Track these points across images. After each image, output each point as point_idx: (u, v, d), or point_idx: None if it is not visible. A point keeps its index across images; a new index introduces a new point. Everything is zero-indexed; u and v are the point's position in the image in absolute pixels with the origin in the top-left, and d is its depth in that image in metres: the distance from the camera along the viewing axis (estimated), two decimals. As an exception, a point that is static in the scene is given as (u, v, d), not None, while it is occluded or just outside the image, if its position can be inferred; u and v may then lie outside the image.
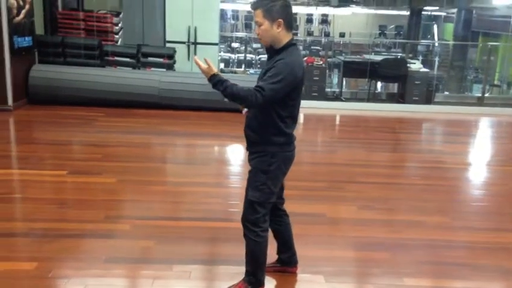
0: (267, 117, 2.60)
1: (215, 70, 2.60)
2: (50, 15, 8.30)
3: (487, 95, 10.19)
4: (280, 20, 2.55)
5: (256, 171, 2.69)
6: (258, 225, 2.71)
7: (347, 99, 9.65)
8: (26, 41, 7.43)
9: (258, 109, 2.61)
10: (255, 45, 12.32)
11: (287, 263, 3.08)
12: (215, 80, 2.57)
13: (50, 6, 8.28)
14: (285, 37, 2.60)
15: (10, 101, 7.11)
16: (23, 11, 7.28)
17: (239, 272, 2.88)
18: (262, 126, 2.63)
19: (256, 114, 2.65)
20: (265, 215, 2.73)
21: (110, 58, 8.18)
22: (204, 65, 2.59)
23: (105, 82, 7.61)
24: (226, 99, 2.59)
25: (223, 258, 3.28)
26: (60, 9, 8.58)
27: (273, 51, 2.63)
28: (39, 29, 8.05)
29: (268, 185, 2.67)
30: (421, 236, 3.75)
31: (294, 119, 2.69)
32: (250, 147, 2.74)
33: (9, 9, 6.90)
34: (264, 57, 11.01)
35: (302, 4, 12.82)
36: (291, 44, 2.63)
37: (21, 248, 3.36)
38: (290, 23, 2.63)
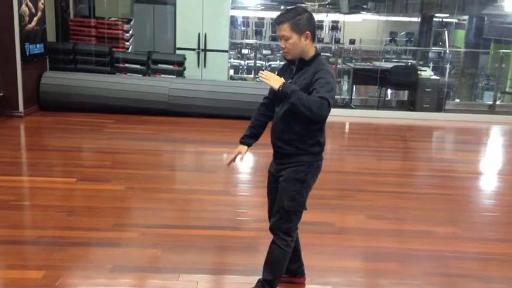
0: (308, 127, 2.61)
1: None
2: (62, 22, 8.38)
3: (498, 102, 10.10)
4: (307, 32, 2.57)
5: (291, 181, 2.68)
6: (290, 235, 2.73)
7: (357, 107, 9.62)
8: (37, 48, 7.50)
9: (294, 120, 2.59)
10: (265, 52, 12.33)
11: (295, 273, 3.06)
12: (292, 88, 2.49)
13: (62, 14, 8.36)
14: (311, 48, 2.63)
15: (21, 108, 7.17)
16: (35, 18, 7.36)
17: (246, 282, 2.87)
18: (301, 138, 2.64)
19: (291, 125, 2.62)
20: (297, 224, 2.76)
21: (121, 65, 8.24)
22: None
23: (115, 89, 7.65)
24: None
25: (231, 268, 3.26)
26: (71, 16, 8.67)
27: (302, 62, 2.64)
28: (51, 36, 8.13)
29: (302, 194, 2.71)
30: (430, 247, 3.71)
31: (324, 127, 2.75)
32: (281, 159, 2.73)
33: (21, 17, 6.97)
34: (274, 63, 11.01)
35: (312, 11, 12.82)
36: (319, 54, 2.67)
37: (30, 256, 3.37)
38: (315, 34, 2.67)
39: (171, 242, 3.59)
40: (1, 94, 7.01)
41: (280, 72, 2.80)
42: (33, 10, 7.29)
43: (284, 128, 2.67)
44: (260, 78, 2.61)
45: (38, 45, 7.50)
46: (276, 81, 2.55)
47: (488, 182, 5.70)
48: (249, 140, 2.83)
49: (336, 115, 8.62)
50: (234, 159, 2.82)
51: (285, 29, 2.56)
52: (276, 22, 2.61)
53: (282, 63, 2.84)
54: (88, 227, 3.75)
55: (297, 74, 2.65)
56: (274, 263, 2.77)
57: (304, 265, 3.05)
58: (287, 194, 2.69)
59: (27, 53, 7.20)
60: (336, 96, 9.39)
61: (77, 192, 4.62)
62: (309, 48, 2.62)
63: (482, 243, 3.84)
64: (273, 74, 2.60)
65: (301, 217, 2.78)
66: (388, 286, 3.17)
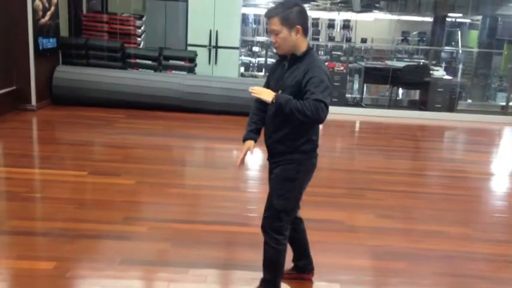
0: (300, 126, 2.54)
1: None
2: (75, 17, 8.42)
3: (511, 103, 10.00)
4: (298, 26, 2.51)
5: (281, 179, 2.64)
6: (281, 233, 2.67)
7: (367, 106, 9.58)
8: (50, 43, 7.55)
9: (286, 118, 2.52)
10: (275, 50, 12.29)
11: (303, 270, 3.06)
12: (286, 98, 2.46)
13: (75, 9, 8.41)
14: (303, 43, 2.57)
15: (34, 101, 7.23)
16: (48, 13, 7.40)
17: (255, 277, 2.87)
18: (293, 136, 2.59)
19: (283, 123, 2.56)
20: (288, 223, 2.70)
21: (132, 60, 8.26)
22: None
23: (126, 84, 7.68)
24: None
25: (240, 263, 3.26)
26: (84, 11, 8.71)
27: (294, 58, 2.59)
28: (64, 31, 8.18)
29: (294, 193, 2.65)
30: (440, 247, 3.69)
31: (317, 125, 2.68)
32: (273, 157, 2.70)
33: (34, 11, 7.02)
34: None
35: (324, 9, 12.77)
36: (311, 49, 2.61)
37: (41, 247, 3.40)
38: (307, 28, 2.59)
39: (180, 236, 3.60)
40: (14, 88, 7.07)
41: (273, 68, 2.76)
42: (47, 5, 7.33)
43: (276, 126, 2.62)
44: (251, 94, 2.56)
45: (51, 40, 7.55)
46: (267, 95, 2.50)
47: (500, 183, 5.65)
48: (254, 135, 2.76)
49: (346, 114, 8.63)
50: (244, 158, 2.76)
51: (275, 23, 2.51)
52: (266, 16, 2.56)
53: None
54: (98, 220, 3.78)
55: (289, 70, 2.59)
56: (270, 262, 2.73)
57: (313, 262, 3.04)
58: (276, 192, 2.65)
59: (41, 47, 7.25)
60: (346, 95, 9.39)
61: (88, 186, 4.65)
62: (300, 43, 2.55)
63: (492, 245, 3.81)
64: (263, 88, 2.57)
65: (293, 216, 2.74)
66: (397, 285, 3.16)
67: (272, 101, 2.48)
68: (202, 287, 2.96)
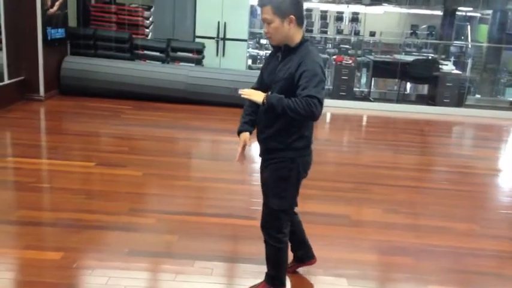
0: (292, 121, 2.46)
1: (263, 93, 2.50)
2: (83, 7, 8.43)
3: (520, 99, 9.93)
4: (291, 16, 2.43)
5: (275, 179, 2.60)
6: (281, 231, 2.65)
7: (375, 100, 9.53)
8: (59, 33, 7.55)
9: (278, 115, 2.44)
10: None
11: (303, 259, 3.06)
12: (277, 97, 2.40)
13: (83, -1, 8.41)
14: (297, 34, 2.48)
15: (42, 91, 7.25)
16: (57, 3, 7.40)
17: (261, 270, 2.87)
18: (285, 133, 2.53)
19: (275, 119, 2.49)
20: (287, 220, 2.68)
21: (140, 52, 8.26)
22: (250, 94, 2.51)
23: (134, 75, 7.69)
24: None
25: (245, 256, 3.27)
26: (93, 2, 8.71)
27: (287, 49, 2.51)
28: (72, 21, 8.18)
29: (290, 191, 2.62)
30: (447, 243, 3.67)
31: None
32: (266, 154, 2.66)
33: (43, 1, 7.02)
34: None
35: (333, 2, 12.69)
36: (306, 40, 2.53)
37: (48, 238, 3.43)
38: (301, 18, 2.49)
39: (186, 228, 3.61)
40: (22, 77, 7.09)
41: (268, 59, 2.69)
42: (56, -5, 7.33)
43: (268, 122, 2.56)
44: (242, 96, 2.51)
45: (59, 30, 7.56)
46: (258, 96, 2.45)
47: (507, 180, 5.62)
48: (249, 127, 2.70)
49: (354, 108, 8.59)
50: (242, 152, 2.72)
51: (267, 12, 2.43)
52: (259, 4, 2.48)
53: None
54: (105, 211, 3.80)
55: (282, 62, 2.51)
56: (272, 260, 2.73)
57: (312, 249, 3.03)
58: (272, 191, 2.62)
59: (49, 38, 7.26)
60: (354, 89, 9.34)
61: (95, 176, 4.66)
62: (293, 33, 2.46)
63: (499, 241, 3.80)
64: (253, 90, 2.53)
65: (292, 213, 2.72)
66: (403, 280, 3.16)
67: (263, 102, 2.43)
68: (208, 280, 2.97)
